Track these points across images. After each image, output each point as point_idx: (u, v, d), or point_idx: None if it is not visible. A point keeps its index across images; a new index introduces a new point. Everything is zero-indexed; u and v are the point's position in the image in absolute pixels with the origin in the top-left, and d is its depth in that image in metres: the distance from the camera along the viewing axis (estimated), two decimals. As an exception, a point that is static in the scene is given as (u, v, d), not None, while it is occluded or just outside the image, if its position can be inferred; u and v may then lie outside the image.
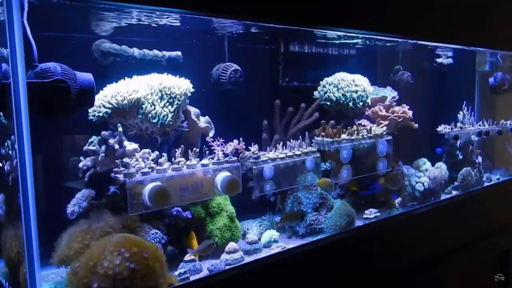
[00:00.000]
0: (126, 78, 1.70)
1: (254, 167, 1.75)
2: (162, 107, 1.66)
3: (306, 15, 1.69)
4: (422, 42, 2.49)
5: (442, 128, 2.68)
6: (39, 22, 1.26)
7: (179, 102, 1.70)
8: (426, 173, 2.49)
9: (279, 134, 2.06)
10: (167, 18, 1.58)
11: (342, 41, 2.40)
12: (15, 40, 1.12)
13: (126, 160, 1.50)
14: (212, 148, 1.73)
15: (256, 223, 1.95)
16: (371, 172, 2.13)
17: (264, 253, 1.75)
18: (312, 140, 2.02)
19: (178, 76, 1.76)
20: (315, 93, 2.36)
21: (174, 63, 1.83)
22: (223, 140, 1.77)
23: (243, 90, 2.05)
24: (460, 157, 2.78)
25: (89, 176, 1.56)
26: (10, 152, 1.36)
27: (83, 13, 1.51)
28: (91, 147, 1.55)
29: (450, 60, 3.11)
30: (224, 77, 2.02)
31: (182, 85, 1.73)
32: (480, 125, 2.88)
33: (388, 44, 2.58)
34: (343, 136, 2.03)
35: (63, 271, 1.38)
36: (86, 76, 1.35)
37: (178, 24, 1.68)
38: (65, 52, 1.59)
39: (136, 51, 1.75)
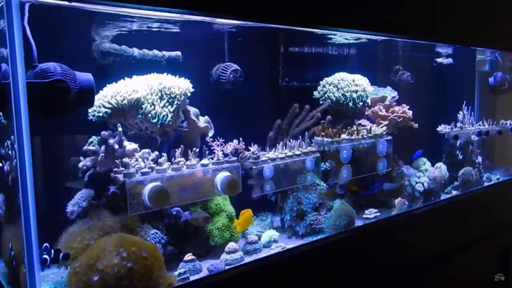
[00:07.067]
0: (126, 78, 1.70)
1: (254, 167, 1.75)
2: (162, 107, 1.66)
3: (306, 15, 1.69)
4: (422, 42, 2.49)
5: (442, 128, 2.68)
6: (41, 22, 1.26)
7: (179, 102, 1.70)
8: (426, 173, 2.49)
9: (287, 134, 2.07)
10: (167, 22, 1.58)
11: (342, 40, 2.40)
12: (15, 40, 1.12)
13: (126, 160, 1.50)
14: (212, 148, 1.73)
15: (256, 222, 1.95)
16: (371, 172, 2.13)
17: (264, 253, 1.74)
18: (312, 140, 2.02)
19: (178, 76, 1.76)
20: (315, 93, 2.35)
21: (174, 63, 1.82)
22: (223, 140, 1.77)
23: (243, 90, 2.05)
24: (460, 157, 2.78)
25: (89, 176, 1.56)
26: (10, 152, 1.36)
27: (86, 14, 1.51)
28: (91, 147, 1.55)
29: (450, 60, 3.10)
30: (224, 77, 2.02)
31: (182, 85, 1.73)
32: (480, 125, 2.88)
33: (388, 44, 2.58)
34: (343, 136, 2.03)
35: (63, 271, 1.38)
36: (86, 76, 1.35)
37: (178, 23, 1.68)
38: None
39: (136, 51, 1.75)
